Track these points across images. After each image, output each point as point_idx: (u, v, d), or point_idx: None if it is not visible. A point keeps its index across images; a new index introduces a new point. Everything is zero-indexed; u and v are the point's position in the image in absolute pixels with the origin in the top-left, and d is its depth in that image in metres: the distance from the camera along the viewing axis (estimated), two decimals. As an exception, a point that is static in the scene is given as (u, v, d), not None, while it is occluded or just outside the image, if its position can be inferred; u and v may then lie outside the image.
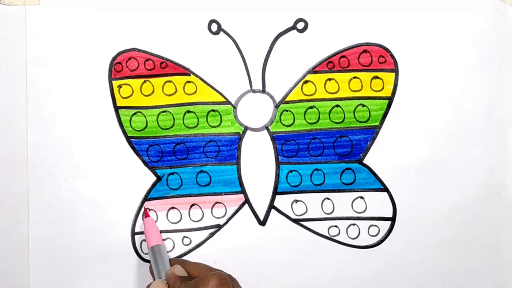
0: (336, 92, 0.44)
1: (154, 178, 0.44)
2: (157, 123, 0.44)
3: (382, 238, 0.44)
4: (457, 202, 0.44)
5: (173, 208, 0.44)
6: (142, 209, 0.44)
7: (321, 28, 0.44)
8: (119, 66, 0.44)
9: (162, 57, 0.44)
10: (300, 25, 0.44)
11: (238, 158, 0.44)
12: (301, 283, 0.44)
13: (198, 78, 0.44)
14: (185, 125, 0.44)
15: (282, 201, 0.44)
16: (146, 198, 0.44)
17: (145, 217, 0.43)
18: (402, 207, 0.44)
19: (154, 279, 0.40)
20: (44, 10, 0.43)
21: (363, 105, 0.44)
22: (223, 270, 0.38)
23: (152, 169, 0.44)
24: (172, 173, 0.44)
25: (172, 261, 0.41)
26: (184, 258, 0.44)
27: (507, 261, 0.44)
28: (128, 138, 0.44)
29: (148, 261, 0.44)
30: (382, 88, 0.44)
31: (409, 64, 0.44)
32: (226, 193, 0.44)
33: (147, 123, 0.44)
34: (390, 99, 0.44)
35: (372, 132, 0.44)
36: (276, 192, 0.44)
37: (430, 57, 0.44)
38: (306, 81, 0.44)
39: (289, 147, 0.44)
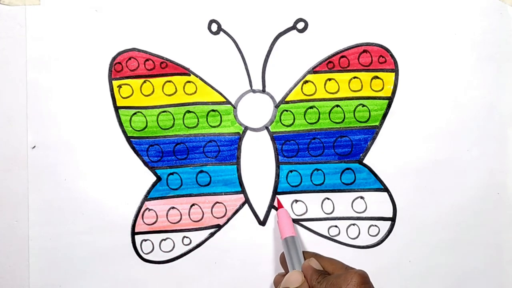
0: (336, 92, 0.44)
1: (154, 178, 0.44)
2: (157, 123, 0.44)
3: (382, 238, 0.44)
4: (457, 202, 0.44)
5: (173, 208, 0.44)
6: (275, 200, 0.43)
7: (321, 28, 0.44)
8: (119, 66, 0.44)
9: (162, 57, 0.44)
10: (300, 25, 0.44)
11: (238, 158, 0.44)
12: (301, 283, 0.44)
13: (198, 78, 0.44)
14: (185, 125, 0.44)
15: (282, 201, 0.44)
16: (146, 198, 0.44)
17: (278, 208, 0.43)
18: (402, 207, 0.44)
19: (286, 270, 0.40)
20: (44, 10, 0.43)
21: (363, 105, 0.44)
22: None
23: (152, 169, 0.44)
24: (172, 173, 0.44)
25: (306, 254, 0.40)
26: (184, 258, 0.44)
27: (507, 261, 0.44)
28: (128, 138, 0.44)
29: (148, 261, 0.44)
30: (382, 88, 0.44)
31: (409, 64, 0.44)
32: (226, 193, 0.44)
33: (147, 123, 0.44)
34: (390, 99, 0.44)
35: (372, 132, 0.44)
36: (276, 192, 0.44)
37: (430, 57, 0.44)
38: (306, 81, 0.44)
39: (289, 147, 0.44)
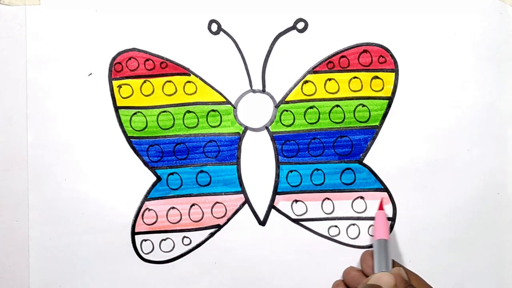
0: (336, 92, 0.44)
1: (154, 178, 0.44)
2: (157, 123, 0.44)
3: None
4: (457, 202, 0.44)
5: (173, 208, 0.44)
6: (378, 201, 0.43)
7: (321, 28, 0.44)
8: (119, 66, 0.44)
9: (162, 57, 0.44)
10: (300, 25, 0.44)
11: (238, 158, 0.44)
12: (301, 283, 0.44)
13: (198, 78, 0.44)
14: (185, 125, 0.44)
15: (282, 201, 0.44)
16: (146, 198, 0.44)
17: (379, 209, 0.43)
18: (402, 207, 0.44)
19: (366, 269, 0.41)
20: (44, 10, 0.43)
21: (363, 105, 0.44)
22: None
23: (152, 169, 0.44)
24: (172, 173, 0.44)
25: (394, 263, 0.41)
26: (184, 258, 0.44)
27: (507, 261, 0.44)
28: (128, 138, 0.44)
29: (148, 261, 0.44)
30: (382, 88, 0.44)
31: (409, 64, 0.44)
32: (226, 193, 0.44)
33: (147, 123, 0.44)
34: (390, 99, 0.44)
35: (372, 132, 0.44)
36: (276, 192, 0.44)
37: (430, 57, 0.44)
38: (306, 81, 0.44)
39: (289, 147, 0.44)
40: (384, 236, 0.41)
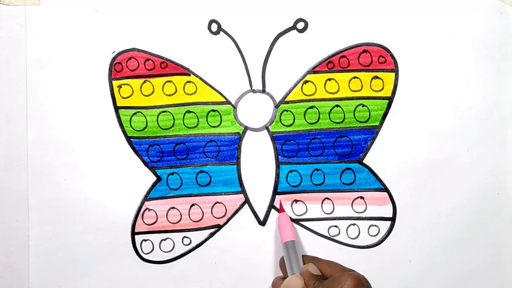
0: (336, 92, 0.44)
1: (154, 178, 0.44)
2: (157, 123, 0.44)
3: (382, 238, 0.44)
4: (457, 202, 0.44)
5: (173, 208, 0.44)
6: (278, 202, 0.43)
7: (321, 28, 0.44)
8: (119, 66, 0.44)
9: (162, 57, 0.44)
10: (300, 25, 0.44)
11: (238, 158, 0.44)
12: (301, 283, 0.44)
13: (198, 78, 0.44)
14: (185, 125, 0.44)
15: (282, 201, 0.44)
16: (146, 198, 0.44)
17: (280, 212, 0.43)
18: (402, 207, 0.44)
19: (285, 274, 0.40)
20: (44, 10, 0.43)
21: (363, 105, 0.44)
22: (347, 265, 0.37)
23: (152, 169, 0.44)
24: (172, 173, 0.44)
25: (305, 258, 0.40)
26: (184, 258, 0.44)
27: (507, 261, 0.44)
28: (128, 138, 0.44)
29: (148, 261, 0.44)
30: (382, 88, 0.44)
31: (409, 64, 0.44)
32: (226, 193, 0.44)
33: (147, 123, 0.44)
34: (390, 99, 0.44)
35: (372, 132, 0.44)
36: (276, 192, 0.44)
37: (430, 57, 0.44)
38: (306, 81, 0.44)
39: (289, 147, 0.44)
40: (290, 238, 0.41)
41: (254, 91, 0.44)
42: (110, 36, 0.44)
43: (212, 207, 0.44)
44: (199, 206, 0.44)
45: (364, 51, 0.44)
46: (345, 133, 0.44)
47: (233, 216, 0.44)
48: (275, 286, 0.41)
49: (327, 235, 0.44)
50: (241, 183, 0.44)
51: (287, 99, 0.44)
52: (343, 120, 0.44)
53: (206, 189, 0.44)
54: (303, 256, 0.40)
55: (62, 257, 0.43)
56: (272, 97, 0.44)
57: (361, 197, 0.44)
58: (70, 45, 0.43)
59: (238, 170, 0.44)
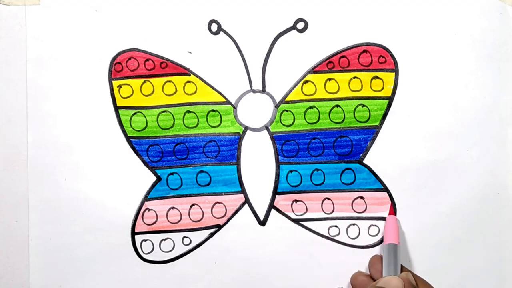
0: (336, 92, 0.44)
1: (154, 178, 0.44)
2: (157, 123, 0.44)
3: (382, 238, 0.44)
4: (457, 202, 0.44)
5: (173, 208, 0.44)
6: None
7: (321, 28, 0.44)
8: (119, 66, 0.44)
9: (162, 57, 0.44)
10: (300, 25, 0.44)
11: (238, 158, 0.44)
12: (301, 283, 0.44)
13: (198, 78, 0.44)
14: (185, 125, 0.44)
15: (282, 201, 0.44)
16: (146, 198, 0.44)
17: (389, 214, 0.43)
18: (402, 207, 0.44)
19: (374, 274, 0.41)
20: (44, 10, 0.43)
21: (363, 105, 0.44)
22: None
23: (152, 169, 0.44)
24: (172, 173, 0.44)
25: (403, 268, 0.41)
26: (184, 258, 0.44)
27: (507, 261, 0.44)
28: (128, 138, 0.44)
29: (148, 261, 0.44)
30: (382, 88, 0.44)
31: (409, 64, 0.44)
32: (226, 193, 0.44)
33: (147, 123, 0.44)
34: (390, 99, 0.44)
35: (372, 132, 0.44)
36: (276, 192, 0.44)
37: (430, 57, 0.44)
38: (306, 81, 0.44)
39: (289, 147, 0.44)
40: (394, 241, 0.41)
41: (254, 91, 0.44)
42: (110, 36, 0.44)
43: (212, 207, 0.44)
44: (199, 206, 0.44)
45: (364, 51, 0.44)
46: (345, 133, 0.44)
47: (233, 216, 0.44)
48: (355, 280, 0.42)
49: (327, 235, 0.44)
50: (241, 183, 0.44)
51: (287, 99, 0.44)
52: (343, 120, 0.44)
53: (206, 189, 0.44)
54: (401, 266, 0.41)
55: (62, 257, 0.43)
56: (272, 97, 0.44)
57: (361, 197, 0.44)
58: (70, 45, 0.43)
59: (238, 170, 0.44)
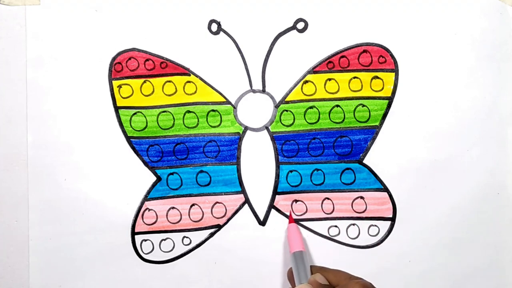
0: (336, 92, 0.44)
1: (154, 178, 0.44)
2: (157, 123, 0.44)
3: (382, 238, 0.44)
4: (457, 202, 0.44)
5: (173, 208, 0.44)
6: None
7: (321, 28, 0.44)
8: (119, 66, 0.44)
9: (162, 57, 0.44)
10: (300, 25, 0.44)
11: (238, 158, 0.44)
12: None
13: (198, 78, 0.44)
14: (185, 125, 0.44)
15: (282, 201, 0.44)
16: (146, 198, 0.44)
17: (289, 223, 0.43)
18: (402, 207, 0.44)
19: (293, 285, 0.40)
20: (44, 10, 0.43)
21: (363, 105, 0.44)
22: (362, 277, 0.37)
23: (152, 169, 0.44)
24: (172, 173, 0.44)
25: (312, 268, 0.40)
26: (184, 258, 0.44)
27: (507, 261, 0.44)
28: (128, 138, 0.44)
29: (148, 261, 0.44)
30: (382, 88, 0.44)
31: (409, 64, 0.44)
32: (226, 193, 0.44)
33: (147, 123, 0.44)
34: (390, 99, 0.44)
35: (372, 132, 0.44)
36: (276, 192, 0.44)
37: (430, 57, 0.44)
38: (306, 81, 0.44)
39: (289, 147, 0.44)
40: (299, 248, 0.41)
41: (254, 91, 0.44)
42: (110, 36, 0.44)
43: (212, 207, 0.44)
44: (199, 206, 0.44)
45: (364, 51, 0.44)
46: (345, 133, 0.44)
47: (233, 216, 0.44)
48: None
49: (327, 235, 0.44)
50: (241, 183, 0.44)
51: (287, 99, 0.44)
52: (343, 120, 0.44)
53: (206, 189, 0.44)
54: (311, 266, 0.40)
55: (62, 257, 0.43)
56: (272, 97, 0.44)
57: (361, 197, 0.44)
58: (70, 45, 0.43)
59: (238, 170, 0.44)
